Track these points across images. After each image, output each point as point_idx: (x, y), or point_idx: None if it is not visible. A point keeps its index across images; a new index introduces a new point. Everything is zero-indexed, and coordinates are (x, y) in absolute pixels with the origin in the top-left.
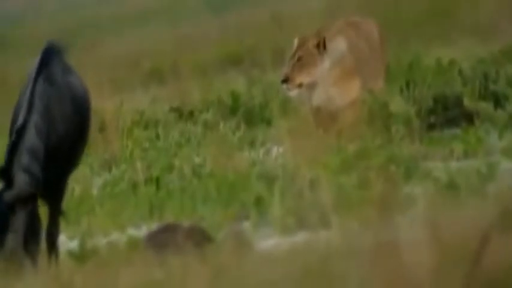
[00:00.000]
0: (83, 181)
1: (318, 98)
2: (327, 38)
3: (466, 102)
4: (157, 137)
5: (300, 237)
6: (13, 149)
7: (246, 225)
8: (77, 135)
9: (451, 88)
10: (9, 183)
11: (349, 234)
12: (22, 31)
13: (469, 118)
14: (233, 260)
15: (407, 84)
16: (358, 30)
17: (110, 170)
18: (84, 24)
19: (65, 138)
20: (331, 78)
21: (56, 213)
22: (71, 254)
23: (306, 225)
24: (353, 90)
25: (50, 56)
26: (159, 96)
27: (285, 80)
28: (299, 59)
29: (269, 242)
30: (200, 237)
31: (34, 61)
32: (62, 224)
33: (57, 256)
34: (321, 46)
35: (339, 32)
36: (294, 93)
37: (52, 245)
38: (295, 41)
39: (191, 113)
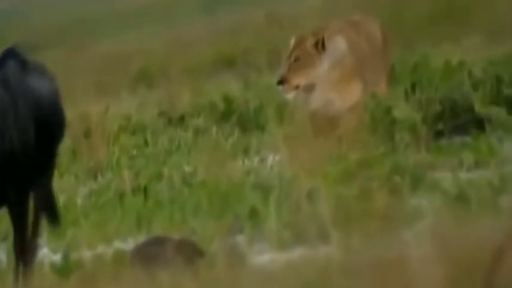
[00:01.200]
0: (68, 190)
1: (316, 101)
2: (326, 37)
3: (477, 107)
4: (146, 143)
5: (297, 252)
6: None
7: (240, 238)
8: (41, 140)
9: (460, 92)
10: None
11: (350, 250)
12: (11, 30)
13: (480, 125)
14: (226, 275)
15: (413, 88)
16: (359, 30)
17: (95, 178)
18: (75, 24)
19: (22, 143)
20: (330, 80)
21: (20, 223)
22: (53, 267)
23: (303, 240)
24: (354, 93)
25: (7, 59)
26: (148, 99)
27: (281, 82)
28: (296, 59)
29: (264, 257)
30: (191, 251)
31: None
32: (45, 236)
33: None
34: (320, 46)
35: (339, 31)
36: (290, 95)
37: (22, 261)
38: (292, 40)
39: (181, 118)
